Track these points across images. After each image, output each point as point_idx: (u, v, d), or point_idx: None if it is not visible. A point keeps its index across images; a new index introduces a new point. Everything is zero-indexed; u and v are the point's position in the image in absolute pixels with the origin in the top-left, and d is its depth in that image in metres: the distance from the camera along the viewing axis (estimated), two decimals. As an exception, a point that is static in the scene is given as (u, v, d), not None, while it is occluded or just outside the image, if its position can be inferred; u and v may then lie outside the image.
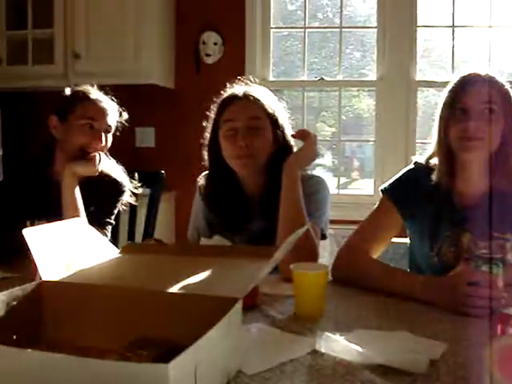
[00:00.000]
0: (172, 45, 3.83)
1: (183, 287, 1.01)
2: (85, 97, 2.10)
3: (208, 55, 3.78)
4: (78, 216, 1.91)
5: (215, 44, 3.77)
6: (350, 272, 1.66)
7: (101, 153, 2.07)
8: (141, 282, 1.08)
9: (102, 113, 2.08)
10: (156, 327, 0.96)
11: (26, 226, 1.96)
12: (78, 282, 1.08)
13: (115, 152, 3.84)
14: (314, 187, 1.87)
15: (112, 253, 1.23)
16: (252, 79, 1.99)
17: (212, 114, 1.92)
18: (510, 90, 1.63)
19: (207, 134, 1.94)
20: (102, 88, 2.17)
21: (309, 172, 1.95)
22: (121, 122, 2.21)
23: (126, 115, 2.23)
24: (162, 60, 3.71)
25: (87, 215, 1.98)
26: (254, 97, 1.84)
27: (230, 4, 3.77)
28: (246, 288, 0.97)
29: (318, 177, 1.96)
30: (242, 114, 1.82)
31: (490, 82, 1.61)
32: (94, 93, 2.13)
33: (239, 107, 1.84)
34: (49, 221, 1.92)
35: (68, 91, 2.18)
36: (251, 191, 1.92)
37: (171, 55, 3.83)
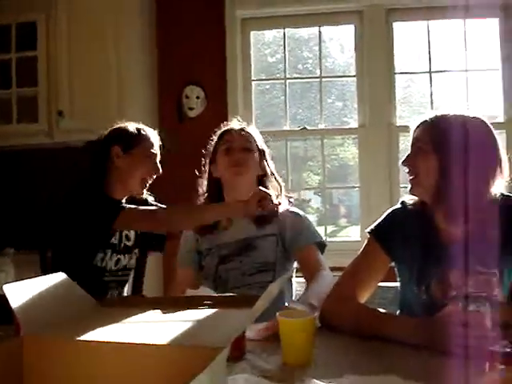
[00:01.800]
0: (155, 99, 3.88)
1: (166, 338, 0.99)
2: (146, 134, 2.36)
3: (191, 109, 3.82)
4: None
5: (198, 98, 3.82)
6: (337, 318, 1.64)
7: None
8: (123, 335, 1.06)
9: (157, 147, 2.37)
10: (139, 380, 0.94)
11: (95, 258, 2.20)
12: (59, 337, 1.06)
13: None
14: (292, 217, 2.17)
15: (92, 306, 1.21)
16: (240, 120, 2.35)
17: (211, 146, 2.25)
18: (480, 127, 1.66)
19: (204, 166, 2.26)
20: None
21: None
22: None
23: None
24: (145, 114, 3.73)
25: None
26: (247, 130, 2.23)
27: (211, 58, 3.84)
28: (230, 337, 0.95)
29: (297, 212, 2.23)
30: (237, 138, 2.19)
31: (431, 121, 1.69)
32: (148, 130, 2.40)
33: (235, 134, 2.20)
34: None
35: (132, 128, 2.37)
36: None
37: (154, 110, 3.87)
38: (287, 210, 2.19)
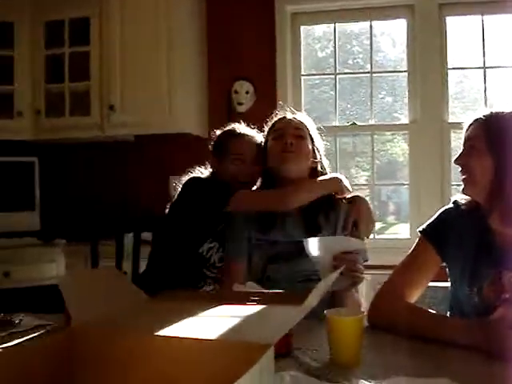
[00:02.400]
0: (205, 94, 3.90)
1: (214, 334, 0.99)
2: (234, 135, 2.31)
3: (240, 104, 3.83)
4: None
5: (247, 93, 3.82)
6: (386, 318, 1.62)
7: None
8: (172, 330, 1.06)
9: (248, 147, 2.24)
10: (187, 375, 0.94)
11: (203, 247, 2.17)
12: (108, 329, 1.07)
13: (149, 201, 3.89)
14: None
15: (143, 300, 1.22)
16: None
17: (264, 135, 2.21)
18: None
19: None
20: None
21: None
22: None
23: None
24: (194, 109, 3.78)
25: None
26: (299, 119, 2.14)
27: (261, 53, 3.83)
28: (278, 334, 0.94)
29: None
30: (289, 125, 2.10)
31: (486, 119, 1.64)
32: (240, 129, 2.34)
33: (287, 122, 2.12)
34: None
35: (218, 132, 2.38)
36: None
37: (204, 105, 3.89)
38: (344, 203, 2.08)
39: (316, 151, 2.13)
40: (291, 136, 2.06)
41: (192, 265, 2.18)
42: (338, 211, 2.06)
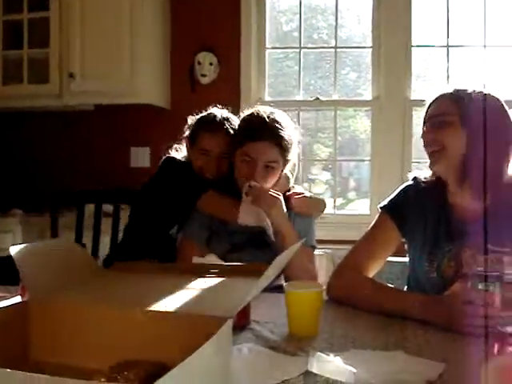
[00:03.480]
0: (167, 65, 3.84)
1: (172, 306, 0.98)
2: (206, 127, 2.14)
3: (203, 75, 3.78)
4: None
5: (211, 64, 3.77)
6: (345, 292, 1.64)
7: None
8: (129, 301, 1.05)
9: (216, 143, 2.10)
10: (144, 347, 0.93)
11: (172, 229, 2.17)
12: (64, 301, 1.06)
13: (109, 171, 3.84)
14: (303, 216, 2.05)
15: (100, 271, 1.20)
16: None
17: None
18: (497, 105, 1.63)
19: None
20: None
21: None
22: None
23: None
24: (157, 80, 3.71)
25: None
26: (277, 137, 1.91)
27: (225, 25, 3.78)
28: (236, 307, 0.94)
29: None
30: (262, 155, 1.91)
31: (456, 95, 1.64)
32: (216, 118, 2.15)
33: (261, 147, 1.91)
34: None
35: (195, 117, 2.22)
36: None
37: (167, 75, 3.83)
38: (301, 200, 2.06)
39: (289, 173, 2.07)
40: (260, 171, 1.92)
41: (162, 245, 2.17)
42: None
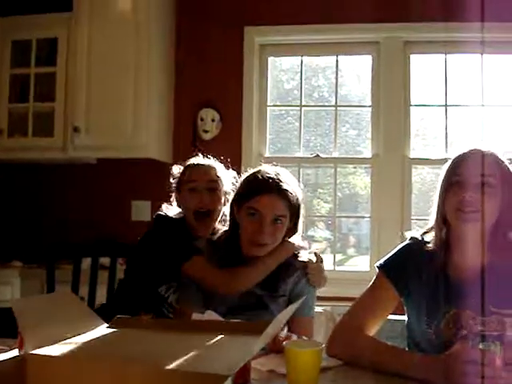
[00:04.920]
0: (170, 120, 3.90)
1: (171, 363, 0.98)
2: (187, 165, 2.33)
3: (206, 131, 3.84)
4: None
5: (213, 120, 3.84)
6: (344, 350, 1.62)
7: None
8: (129, 357, 1.05)
9: (202, 173, 2.27)
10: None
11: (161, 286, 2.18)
12: (64, 356, 1.05)
13: (111, 224, 3.85)
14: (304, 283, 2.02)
15: (101, 326, 1.20)
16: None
17: (237, 188, 2.06)
18: (510, 166, 1.65)
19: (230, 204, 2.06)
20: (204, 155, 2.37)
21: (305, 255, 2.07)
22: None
23: (234, 173, 2.34)
24: (159, 135, 3.77)
25: None
26: (284, 192, 1.92)
27: (228, 82, 3.86)
28: (237, 365, 0.94)
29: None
30: (270, 209, 1.90)
31: (489, 155, 1.64)
32: (196, 159, 2.35)
33: (269, 200, 1.91)
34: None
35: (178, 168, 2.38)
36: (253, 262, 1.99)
37: (169, 130, 3.89)
38: (303, 266, 2.03)
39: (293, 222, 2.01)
40: (269, 225, 1.90)
41: (151, 302, 2.19)
42: (293, 267, 2.03)
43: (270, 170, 1.99)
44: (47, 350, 1.06)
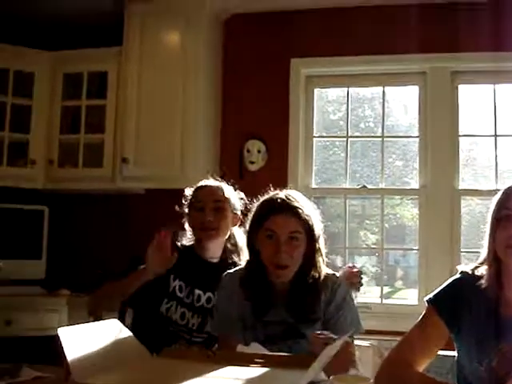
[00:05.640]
0: (217, 151, 3.93)
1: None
2: (196, 188, 2.44)
3: (252, 162, 3.86)
4: None
5: (259, 152, 3.86)
6: (393, 385, 1.58)
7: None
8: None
9: (207, 193, 2.38)
10: None
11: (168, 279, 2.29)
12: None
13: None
14: (344, 295, 1.99)
15: (145, 356, 1.20)
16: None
17: (251, 215, 2.05)
18: None
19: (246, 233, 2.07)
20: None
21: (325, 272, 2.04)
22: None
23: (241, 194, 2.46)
24: (206, 167, 3.79)
25: None
26: (295, 209, 1.93)
27: (274, 113, 3.88)
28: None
29: (338, 278, 2.05)
30: (284, 227, 1.92)
31: None
32: (204, 181, 2.48)
33: (281, 219, 1.93)
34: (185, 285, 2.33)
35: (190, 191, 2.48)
36: (280, 290, 1.99)
37: (216, 162, 3.92)
38: (330, 279, 2.00)
39: (312, 242, 1.98)
40: (285, 243, 1.91)
41: (156, 324, 2.28)
42: (319, 286, 1.99)
43: (281, 192, 2.02)
44: (93, 379, 1.06)
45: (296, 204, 1.95)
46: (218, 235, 2.34)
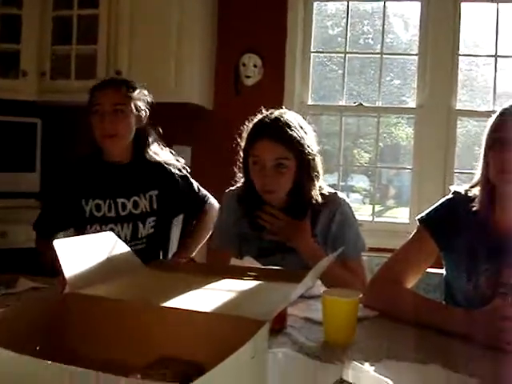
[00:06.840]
0: (212, 66, 3.86)
1: (210, 307, 0.99)
2: (94, 87, 2.28)
3: (248, 77, 3.80)
4: None
5: (255, 66, 3.79)
6: (382, 301, 1.62)
7: None
8: (167, 299, 1.06)
9: (105, 95, 2.22)
10: (180, 346, 0.94)
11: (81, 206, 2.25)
12: (104, 296, 1.07)
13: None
14: (343, 215, 2.00)
15: (140, 268, 1.22)
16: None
17: (243, 139, 2.02)
18: None
19: (240, 155, 2.05)
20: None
21: (326, 190, 2.04)
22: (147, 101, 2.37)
23: (146, 93, 2.39)
24: (201, 80, 3.74)
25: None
26: (284, 134, 1.89)
27: (271, 27, 3.78)
28: (274, 311, 0.94)
29: (340, 198, 2.04)
30: (269, 153, 1.89)
31: None
32: (103, 81, 2.33)
33: (267, 145, 1.90)
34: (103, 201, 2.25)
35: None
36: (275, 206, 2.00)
37: (211, 76, 3.85)
38: (331, 200, 2.01)
39: (303, 170, 1.94)
40: (270, 169, 1.89)
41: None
42: (318, 206, 2.00)
43: (273, 113, 1.96)
44: (89, 289, 1.08)
45: (286, 128, 1.89)
46: (120, 140, 2.27)
